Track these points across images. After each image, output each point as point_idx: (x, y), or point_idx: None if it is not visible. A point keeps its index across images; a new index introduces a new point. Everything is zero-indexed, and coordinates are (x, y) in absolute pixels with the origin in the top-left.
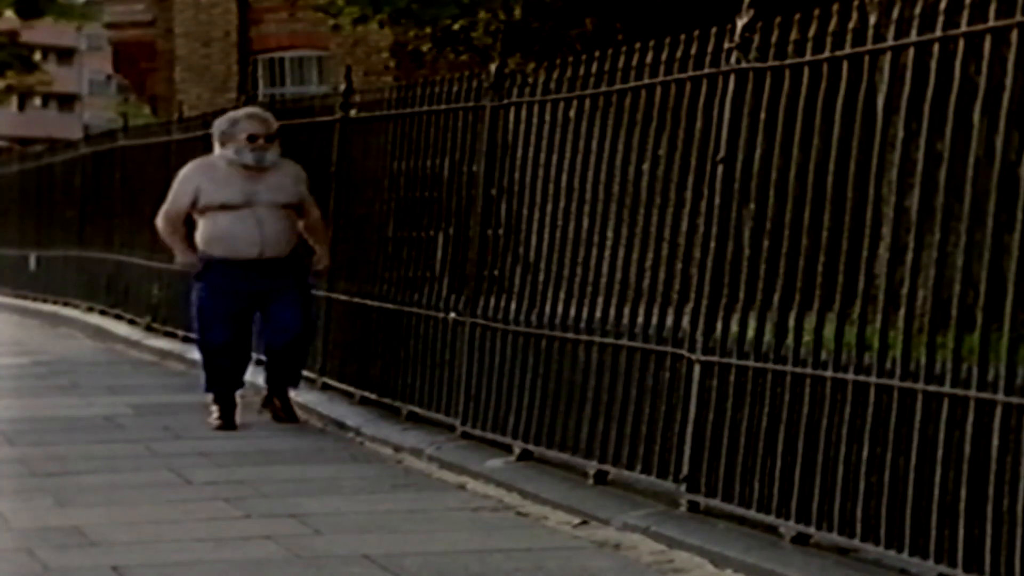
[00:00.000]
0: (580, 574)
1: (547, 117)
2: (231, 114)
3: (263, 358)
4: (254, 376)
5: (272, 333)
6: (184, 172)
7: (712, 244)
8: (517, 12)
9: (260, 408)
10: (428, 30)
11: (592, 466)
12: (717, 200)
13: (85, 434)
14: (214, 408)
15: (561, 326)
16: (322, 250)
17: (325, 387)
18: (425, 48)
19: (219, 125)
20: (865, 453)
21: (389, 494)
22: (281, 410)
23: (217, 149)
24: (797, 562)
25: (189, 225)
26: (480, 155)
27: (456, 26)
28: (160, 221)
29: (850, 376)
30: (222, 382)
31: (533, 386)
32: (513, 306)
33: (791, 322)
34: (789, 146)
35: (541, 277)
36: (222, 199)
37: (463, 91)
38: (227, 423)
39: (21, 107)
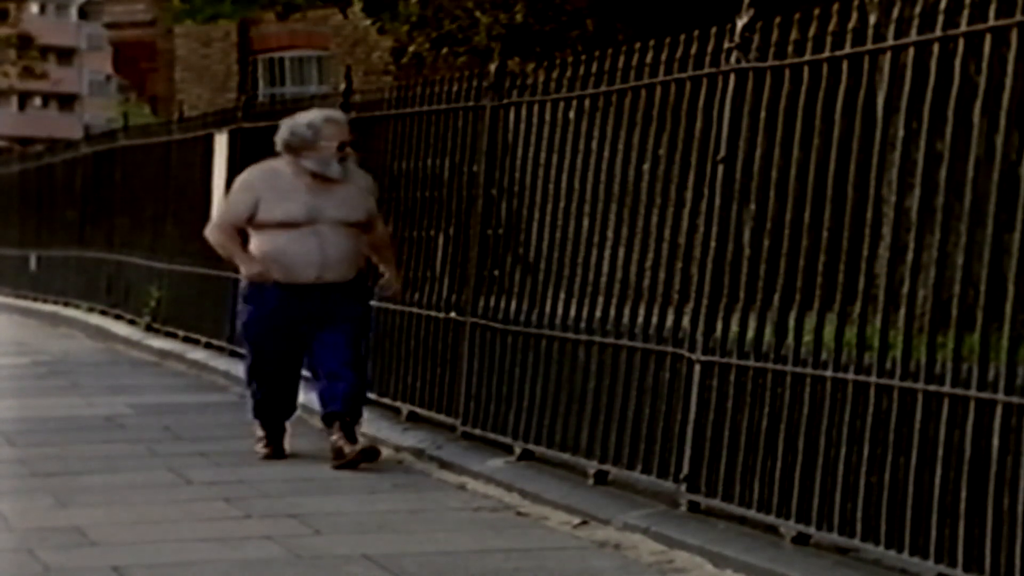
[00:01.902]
0: (580, 574)
1: (547, 117)
2: (307, 118)
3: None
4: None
5: (325, 361)
6: (244, 179)
7: (712, 244)
8: (519, 16)
9: (332, 461)
10: (431, 33)
11: (592, 466)
12: (717, 200)
13: (85, 434)
14: (260, 434)
15: (561, 326)
16: (390, 271)
17: None
18: (424, 51)
19: (295, 130)
20: (865, 453)
21: (389, 494)
22: (344, 442)
23: (283, 156)
24: (797, 562)
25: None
26: (480, 155)
27: (454, 26)
28: (213, 233)
29: (850, 376)
30: (273, 410)
31: (533, 386)
32: (513, 306)
33: (791, 322)
34: (789, 146)
35: (541, 277)
36: (281, 215)
37: (463, 91)
38: (276, 451)
39: (22, 107)
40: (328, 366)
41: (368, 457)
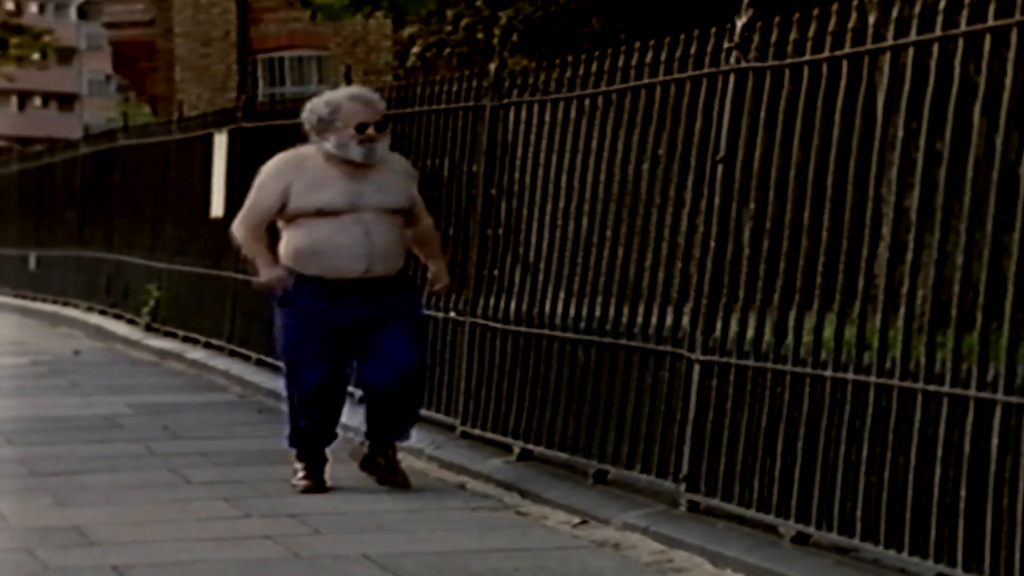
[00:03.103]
0: (580, 574)
1: (547, 117)
2: (329, 97)
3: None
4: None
5: (376, 369)
6: (270, 167)
7: (712, 244)
8: (535, 12)
9: (361, 468)
10: (433, 28)
11: (592, 466)
12: (717, 200)
13: (85, 434)
14: (299, 465)
15: (561, 326)
16: (438, 266)
17: None
18: (426, 50)
19: (315, 110)
20: (865, 453)
21: (389, 494)
22: (385, 469)
23: (312, 140)
24: (797, 562)
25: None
26: (480, 155)
27: (462, 24)
28: (238, 229)
29: (850, 376)
30: (312, 434)
31: (533, 386)
32: (513, 306)
33: (791, 322)
34: (789, 146)
35: (541, 277)
36: (319, 203)
37: (463, 91)
38: (317, 484)
39: (21, 107)
40: (382, 377)
41: (402, 486)
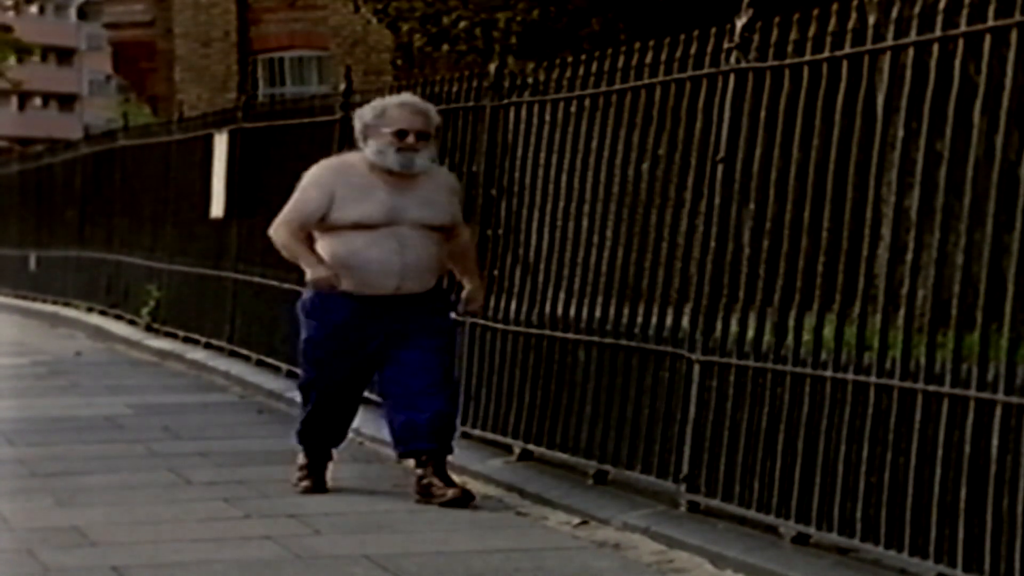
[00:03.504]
0: (580, 574)
1: (547, 117)
2: (379, 102)
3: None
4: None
5: (404, 385)
6: (315, 173)
7: (712, 244)
8: (534, 13)
9: (416, 496)
10: (431, 28)
11: (592, 466)
12: (717, 200)
13: (85, 434)
14: (302, 462)
15: (561, 326)
16: (473, 283)
17: None
18: (425, 46)
19: (363, 115)
20: (865, 453)
21: (389, 494)
22: (435, 478)
23: (361, 146)
24: (797, 562)
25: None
26: (480, 155)
27: (461, 25)
28: (279, 232)
29: (850, 376)
30: (322, 439)
31: (533, 386)
32: (513, 306)
33: (791, 322)
34: (789, 146)
35: (541, 277)
36: (357, 215)
37: (463, 91)
38: (317, 484)
39: (21, 107)
40: (409, 391)
41: (462, 503)
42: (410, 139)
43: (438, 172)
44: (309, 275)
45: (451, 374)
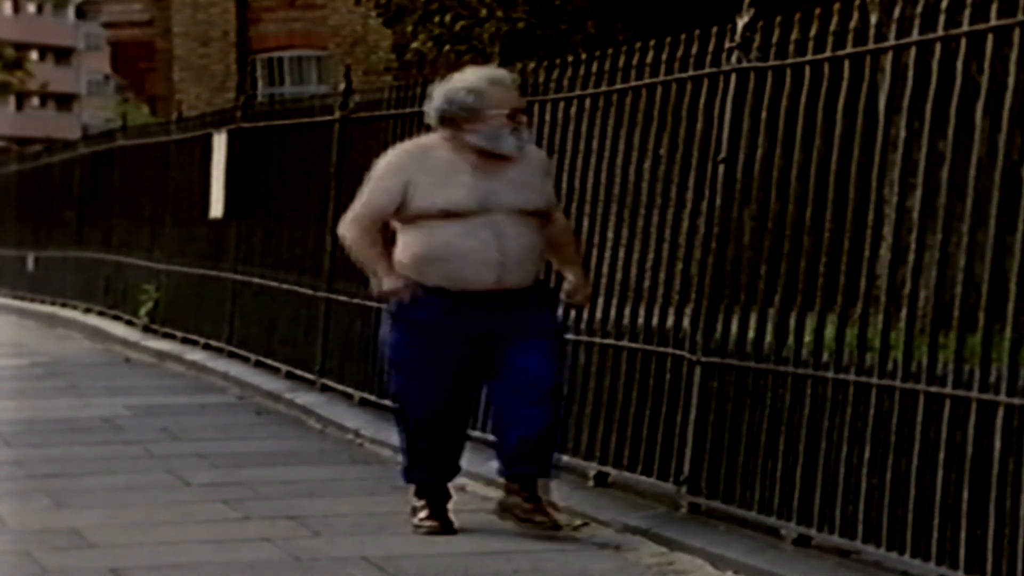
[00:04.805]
0: None
1: (547, 117)
2: (466, 81)
3: (490, 436)
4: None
5: (510, 394)
6: (389, 160)
7: (713, 244)
8: (520, 23)
9: (499, 511)
10: (432, 30)
11: (592, 468)
12: (718, 200)
13: (83, 436)
14: (418, 503)
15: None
16: (576, 274)
17: (324, 388)
18: (425, 47)
19: (453, 97)
20: (867, 455)
21: (388, 496)
22: (529, 507)
23: (437, 131)
24: (798, 564)
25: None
26: None
27: (457, 26)
28: (349, 229)
29: (851, 377)
30: (432, 469)
31: None
32: None
33: (792, 323)
34: (790, 146)
35: None
36: (444, 202)
37: None
38: (443, 525)
39: (19, 107)
40: (516, 403)
41: (551, 530)
42: (519, 118)
43: (530, 151)
44: (376, 286)
45: (561, 383)
